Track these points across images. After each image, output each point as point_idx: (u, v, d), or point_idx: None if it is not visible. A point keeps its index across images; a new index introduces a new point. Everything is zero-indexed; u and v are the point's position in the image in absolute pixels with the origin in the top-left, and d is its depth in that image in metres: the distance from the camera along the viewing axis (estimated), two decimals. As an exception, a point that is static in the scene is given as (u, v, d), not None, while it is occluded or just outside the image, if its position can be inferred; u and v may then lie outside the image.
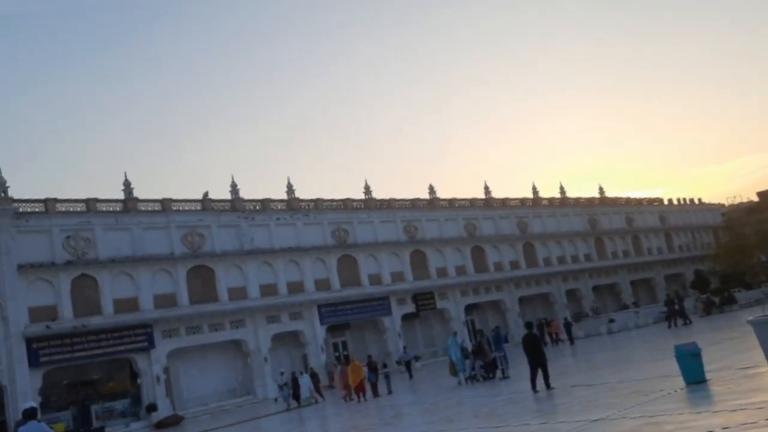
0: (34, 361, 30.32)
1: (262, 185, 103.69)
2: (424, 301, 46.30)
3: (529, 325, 19.07)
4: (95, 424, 31.55)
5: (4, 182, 31.64)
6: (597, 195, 65.19)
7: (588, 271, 58.71)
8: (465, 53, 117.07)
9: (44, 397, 30.78)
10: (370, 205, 46.26)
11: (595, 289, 59.33)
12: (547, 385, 16.80)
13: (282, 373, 31.05)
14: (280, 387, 30.13)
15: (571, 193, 62.77)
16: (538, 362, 16.99)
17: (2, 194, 31.33)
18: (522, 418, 13.33)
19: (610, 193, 66.27)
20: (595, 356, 28.48)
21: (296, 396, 29.23)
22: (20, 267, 30.73)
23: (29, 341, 30.35)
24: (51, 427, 30.84)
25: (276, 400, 31.35)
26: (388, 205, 47.46)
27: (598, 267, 59.58)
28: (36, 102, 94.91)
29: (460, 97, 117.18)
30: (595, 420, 11.42)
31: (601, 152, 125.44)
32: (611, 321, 46.25)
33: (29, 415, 11.25)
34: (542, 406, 14.95)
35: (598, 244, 61.23)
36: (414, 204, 49.09)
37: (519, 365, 27.30)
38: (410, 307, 45.52)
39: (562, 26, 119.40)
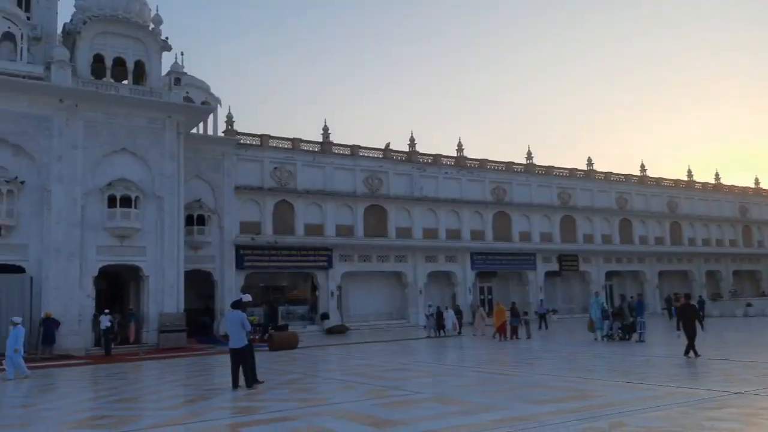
0: (240, 264, 32.20)
1: (435, 142, 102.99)
2: (568, 262, 44.00)
3: (687, 297, 17.37)
4: (281, 321, 33.48)
5: (232, 117, 33.70)
6: (752, 185, 57.90)
7: (731, 256, 53.02)
8: (649, 29, 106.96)
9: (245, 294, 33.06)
10: (530, 169, 44.15)
11: (736, 273, 53.44)
12: (687, 351, 15.41)
13: (430, 306, 30.93)
14: (427, 317, 30.11)
15: (726, 180, 56.43)
16: (689, 330, 15.70)
17: (230, 127, 33.40)
18: (660, 380, 11.99)
19: (766, 185, 58.80)
20: (728, 335, 25.23)
21: (440, 326, 29.07)
22: (237, 188, 32.47)
23: (238, 248, 32.19)
24: (248, 319, 32.78)
25: (424, 327, 31.27)
26: (547, 171, 44.98)
27: (743, 253, 53.57)
28: (264, 49, 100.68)
29: (630, 75, 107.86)
30: (737, 393, 10.00)
31: (759, 142, 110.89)
32: (748, 305, 41.08)
33: (236, 305, 12.84)
34: (680, 372, 13.40)
35: (745, 232, 54.77)
36: (571, 173, 46.13)
37: (654, 332, 25.20)
38: (554, 266, 43.46)
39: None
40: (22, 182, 24.53)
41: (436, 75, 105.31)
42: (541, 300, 38.28)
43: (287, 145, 35.26)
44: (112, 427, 9.12)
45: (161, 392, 13.44)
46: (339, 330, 33.07)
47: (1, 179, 23.83)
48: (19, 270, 24.40)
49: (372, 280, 37.64)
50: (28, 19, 26.27)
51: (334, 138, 37.02)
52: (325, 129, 36.98)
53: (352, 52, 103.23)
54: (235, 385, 12.27)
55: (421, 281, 38.00)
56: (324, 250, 35.06)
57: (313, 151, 36.00)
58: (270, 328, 30.23)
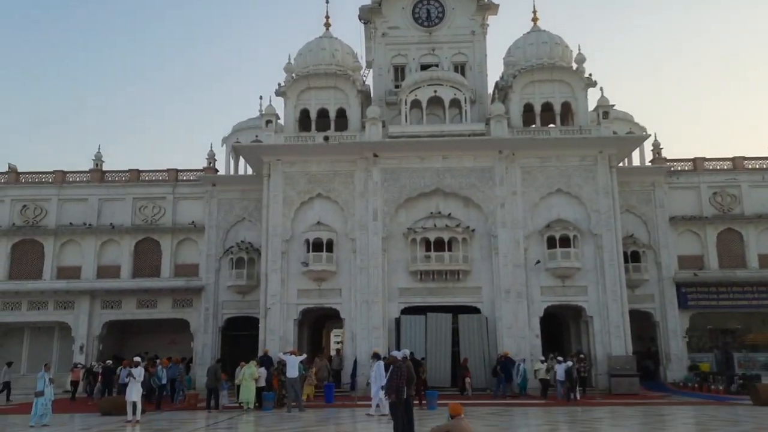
0: (682, 303, 29.08)
1: None
2: None
3: None
4: (737, 370, 28.84)
5: (659, 145, 31.07)
6: None
7: None
8: None
9: (689, 338, 29.59)
10: None
11: None
12: None
13: None
14: None
15: None
16: None
17: (657, 155, 30.94)
18: None
19: None
20: None
21: None
22: (671, 219, 29.72)
23: (678, 285, 29.15)
24: (697, 365, 28.81)
25: None
26: None
27: None
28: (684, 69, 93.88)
29: None
30: None
31: None
32: None
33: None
34: None
35: None
36: None
37: None
38: None
39: None
40: (473, 230, 26.90)
41: None
42: None
43: (727, 165, 30.88)
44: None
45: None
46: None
47: (459, 229, 26.57)
48: (475, 310, 26.56)
49: None
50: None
51: (787, 150, 31.10)
52: (775, 141, 31.42)
53: None
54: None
55: None
56: (788, 286, 29.17)
57: (762, 169, 30.72)
58: (736, 377, 26.19)
